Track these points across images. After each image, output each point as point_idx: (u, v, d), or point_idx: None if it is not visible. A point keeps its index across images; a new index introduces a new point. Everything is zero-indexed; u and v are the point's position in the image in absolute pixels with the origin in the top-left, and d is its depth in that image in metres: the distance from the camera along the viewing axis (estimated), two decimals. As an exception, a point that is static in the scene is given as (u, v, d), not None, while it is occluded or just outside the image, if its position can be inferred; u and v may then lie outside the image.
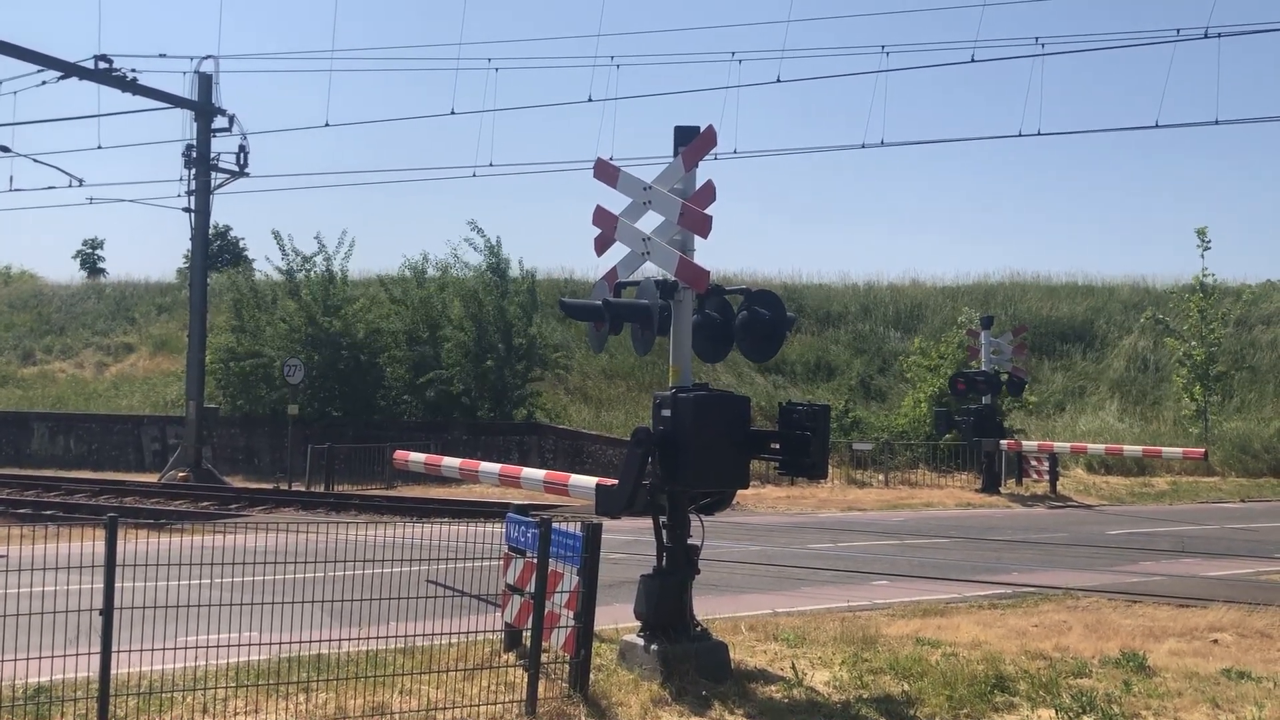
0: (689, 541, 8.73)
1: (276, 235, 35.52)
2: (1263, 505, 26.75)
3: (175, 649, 7.64)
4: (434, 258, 38.00)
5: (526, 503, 9.83)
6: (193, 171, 29.49)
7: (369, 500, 23.99)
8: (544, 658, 7.94)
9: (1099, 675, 9.03)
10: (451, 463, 11.81)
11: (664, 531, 8.76)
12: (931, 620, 11.21)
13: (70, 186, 29.51)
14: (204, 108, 29.24)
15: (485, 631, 8.91)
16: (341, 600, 8.33)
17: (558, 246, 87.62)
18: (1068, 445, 28.85)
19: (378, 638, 8.50)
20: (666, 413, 8.54)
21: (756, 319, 9.14)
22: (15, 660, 6.79)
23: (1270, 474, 32.10)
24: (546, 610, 7.99)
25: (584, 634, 7.92)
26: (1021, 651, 9.71)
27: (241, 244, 60.40)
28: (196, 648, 7.82)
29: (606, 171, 9.39)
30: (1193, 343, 34.77)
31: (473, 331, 32.95)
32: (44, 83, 27.28)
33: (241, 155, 29.76)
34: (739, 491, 9.48)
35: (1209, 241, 35.61)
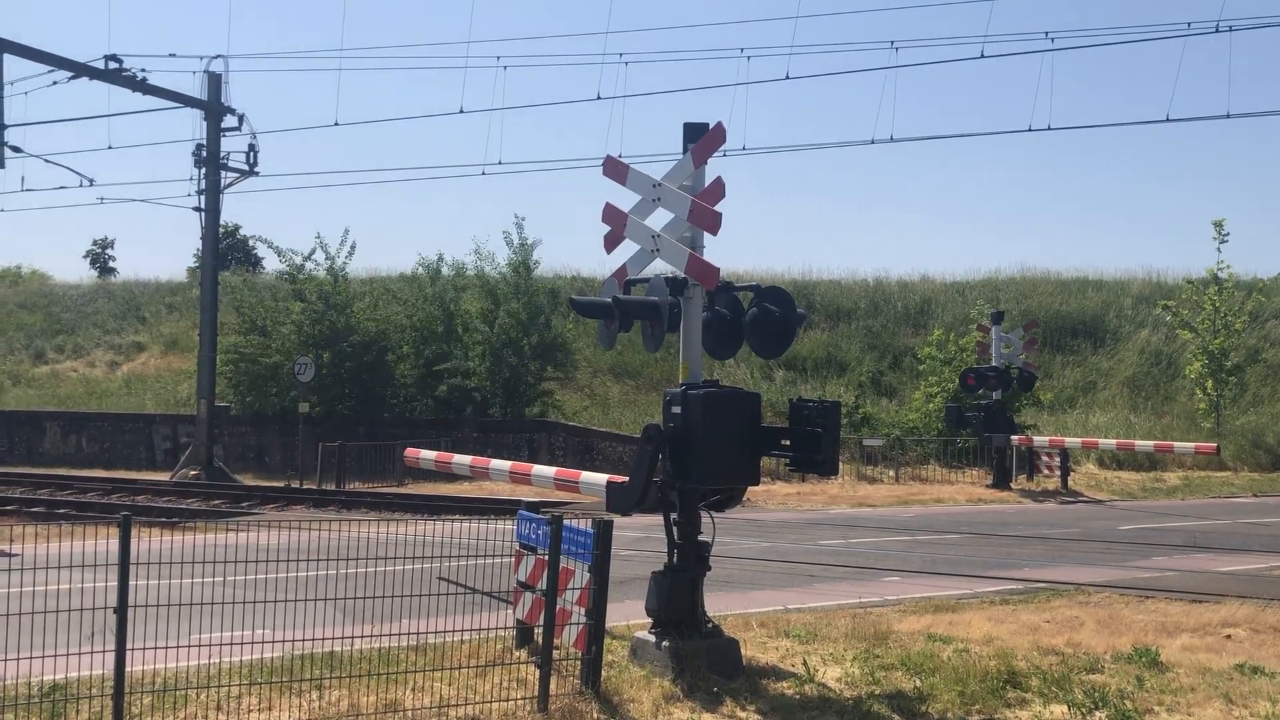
0: (700, 538, 8.74)
1: (267, 241, 35.76)
2: (1275, 500, 26.61)
3: (189, 647, 7.67)
4: (449, 257, 38.16)
5: (537, 500, 9.85)
6: (202, 171, 29.59)
7: (380, 498, 24.03)
8: (555, 654, 7.95)
9: (1111, 671, 9.01)
10: (462, 460, 11.82)
11: (675, 528, 8.77)
12: (943, 616, 11.19)
13: (81, 186, 29.62)
14: (213, 107, 29.32)
15: (497, 629, 8.94)
16: (353, 598, 8.35)
17: (566, 244, 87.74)
18: (1079, 440, 28.74)
19: (390, 635, 8.52)
20: (677, 410, 8.54)
21: (766, 315, 9.12)
22: (31, 658, 6.82)
23: (1283, 469, 31.96)
24: (558, 607, 7.99)
25: (595, 631, 7.93)
26: (1033, 647, 9.69)
27: (251, 243, 60.60)
28: (210, 645, 7.85)
29: (616, 169, 9.39)
30: (1207, 335, 34.60)
31: (498, 328, 33.00)
32: (55, 83, 27.41)
33: (251, 154, 29.86)
34: (749, 488, 9.47)
35: (1226, 234, 35.40)
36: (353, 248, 34.87)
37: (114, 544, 6.83)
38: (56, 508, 21.81)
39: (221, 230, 34.60)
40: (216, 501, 24.04)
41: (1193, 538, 18.28)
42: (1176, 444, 28.99)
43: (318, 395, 32.22)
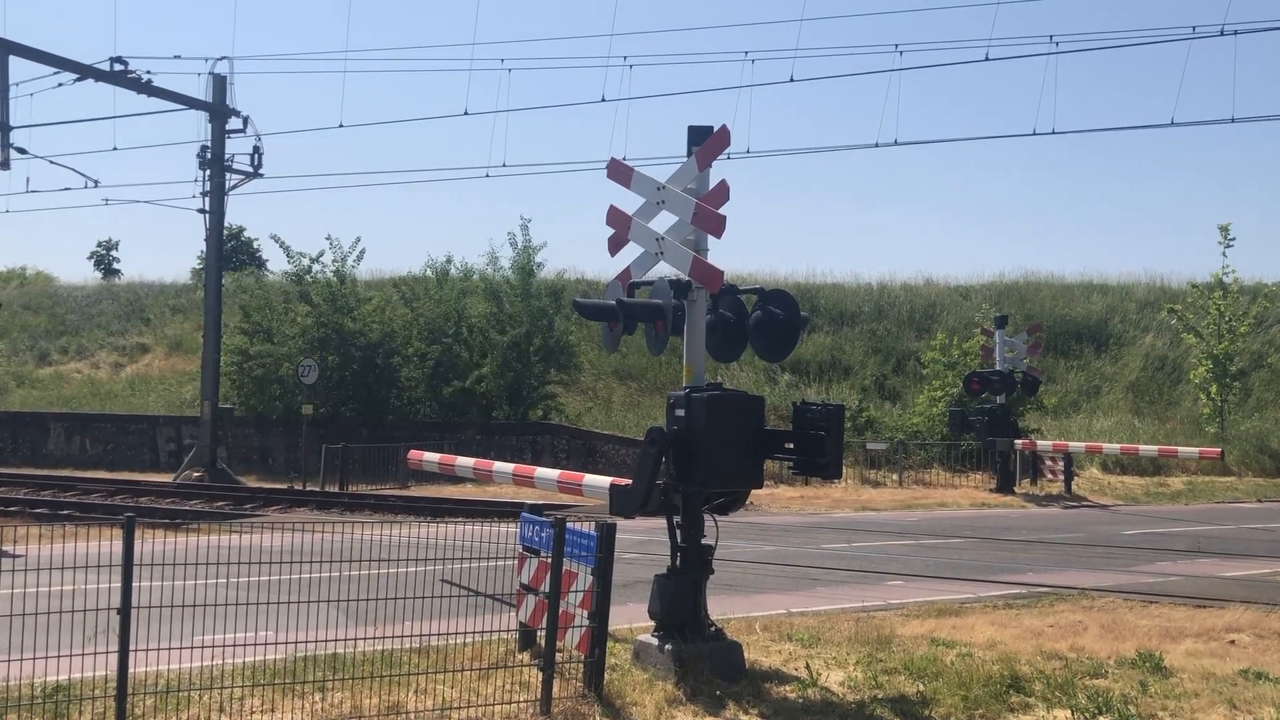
0: (703, 541, 8.74)
1: (278, 239, 35.81)
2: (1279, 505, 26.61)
3: (192, 648, 7.67)
4: (458, 260, 38.18)
5: (540, 502, 9.85)
6: (207, 173, 29.63)
7: (383, 500, 24.06)
8: (558, 657, 7.95)
9: (1115, 676, 8.99)
10: (466, 462, 11.82)
11: (678, 531, 8.77)
12: (946, 620, 11.18)
13: (86, 188, 29.64)
14: (218, 109, 29.36)
15: (500, 631, 8.93)
16: (356, 600, 8.36)
17: (570, 246, 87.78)
18: (1083, 445, 28.72)
19: (393, 637, 8.52)
20: (680, 412, 8.54)
21: (770, 318, 9.12)
22: (34, 659, 6.82)
23: (1287, 474, 31.89)
24: (561, 610, 7.99)
25: (598, 634, 7.92)
26: (1037, 652, 9.68)
27: (256, 244, 60.71)
28: (213, 647, 7.85)
29: (620, 171, 9.39)
30: (1211, 340, 34.55)
31: (507, 331, 33.00)
32: (60, 85, 27.50)
33: (256, 156, 29.89)
34: (753, 491, 9.47)
35: (1232, 238, 35.33)
36: (362, 253, 35.00)
37: (118, 545, 6.84)
38: (60, 509, 21.84)
39: (226, 232, 34.62)
40: (220, 503, 24.07)
41: (1196, 543, 18.25)
42: (1180, 449, 28.95)
43: (322, 397, 32.24)
